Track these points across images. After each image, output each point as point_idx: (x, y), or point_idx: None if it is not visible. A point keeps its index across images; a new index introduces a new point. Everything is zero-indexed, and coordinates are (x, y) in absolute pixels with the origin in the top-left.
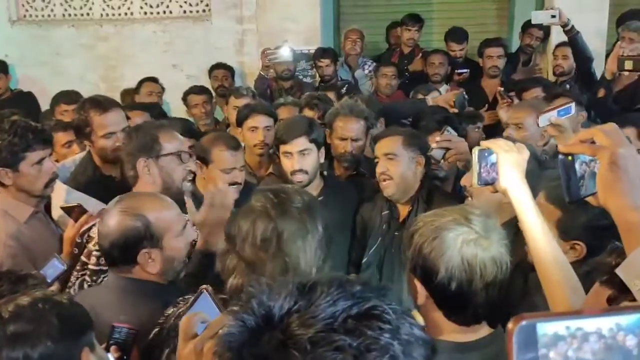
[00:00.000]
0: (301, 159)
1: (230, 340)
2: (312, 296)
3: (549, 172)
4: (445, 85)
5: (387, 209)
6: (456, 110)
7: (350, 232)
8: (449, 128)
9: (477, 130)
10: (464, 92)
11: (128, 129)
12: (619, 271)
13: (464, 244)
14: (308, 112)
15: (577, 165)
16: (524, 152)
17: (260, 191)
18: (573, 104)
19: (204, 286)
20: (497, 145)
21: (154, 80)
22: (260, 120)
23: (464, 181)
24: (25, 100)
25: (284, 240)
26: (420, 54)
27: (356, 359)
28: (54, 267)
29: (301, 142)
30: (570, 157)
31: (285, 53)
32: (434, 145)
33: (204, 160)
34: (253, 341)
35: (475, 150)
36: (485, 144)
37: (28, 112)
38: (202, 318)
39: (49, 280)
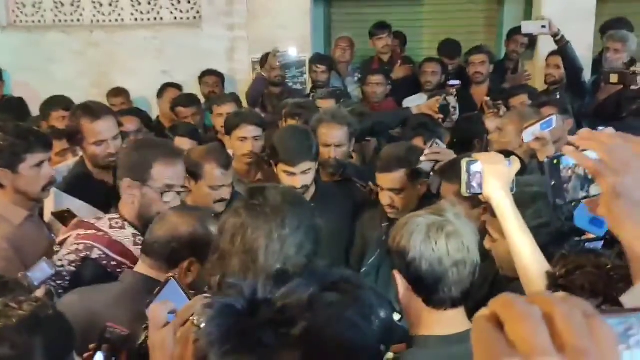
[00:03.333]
0: (304, 177)
1: (219, 324)
2: (286, 279)
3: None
4: (423, 94)
5: (386, 220)
6: (442, 116)
7: (348, 237)
8: (438, 140)
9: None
10: (446, 97)
11: (121, 134)
12: (623, 299)
13: (430, 227)
14: (290, 122)
15: (562, 169)
16: (516, 164)
17: (246, 189)
18: (554, 117)
19: (171, 274)
20: (485, 157)
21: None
22: (249, 131)
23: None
24: (15, 106)
25: (248, 235)
26: (400, 61)
27: (346, 306)
28: (42, 271)
29: (306, 165)
30: (555, 161)
31: (292, 54)
32: (422, 158)
33: (195, 175)
34: (241, 319)
35: (464, 162)
36: (475, 156)
37: (18, 117)
38: (170, 307)
39: (35, 284)
